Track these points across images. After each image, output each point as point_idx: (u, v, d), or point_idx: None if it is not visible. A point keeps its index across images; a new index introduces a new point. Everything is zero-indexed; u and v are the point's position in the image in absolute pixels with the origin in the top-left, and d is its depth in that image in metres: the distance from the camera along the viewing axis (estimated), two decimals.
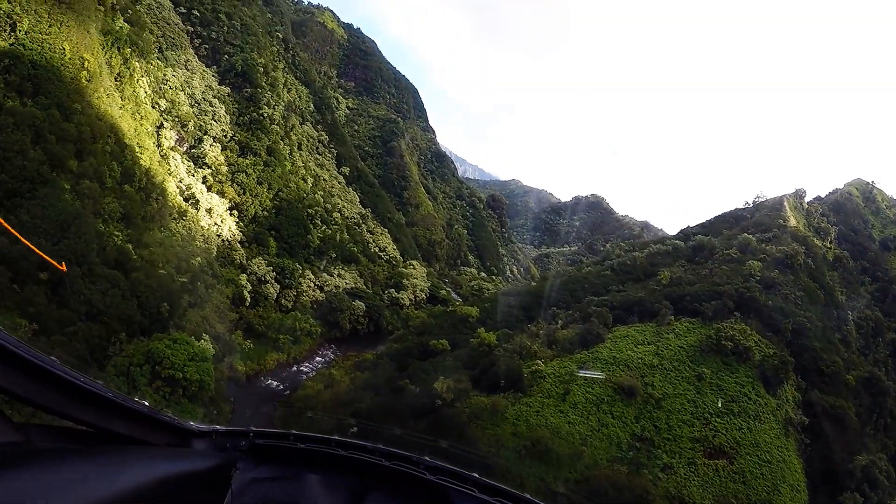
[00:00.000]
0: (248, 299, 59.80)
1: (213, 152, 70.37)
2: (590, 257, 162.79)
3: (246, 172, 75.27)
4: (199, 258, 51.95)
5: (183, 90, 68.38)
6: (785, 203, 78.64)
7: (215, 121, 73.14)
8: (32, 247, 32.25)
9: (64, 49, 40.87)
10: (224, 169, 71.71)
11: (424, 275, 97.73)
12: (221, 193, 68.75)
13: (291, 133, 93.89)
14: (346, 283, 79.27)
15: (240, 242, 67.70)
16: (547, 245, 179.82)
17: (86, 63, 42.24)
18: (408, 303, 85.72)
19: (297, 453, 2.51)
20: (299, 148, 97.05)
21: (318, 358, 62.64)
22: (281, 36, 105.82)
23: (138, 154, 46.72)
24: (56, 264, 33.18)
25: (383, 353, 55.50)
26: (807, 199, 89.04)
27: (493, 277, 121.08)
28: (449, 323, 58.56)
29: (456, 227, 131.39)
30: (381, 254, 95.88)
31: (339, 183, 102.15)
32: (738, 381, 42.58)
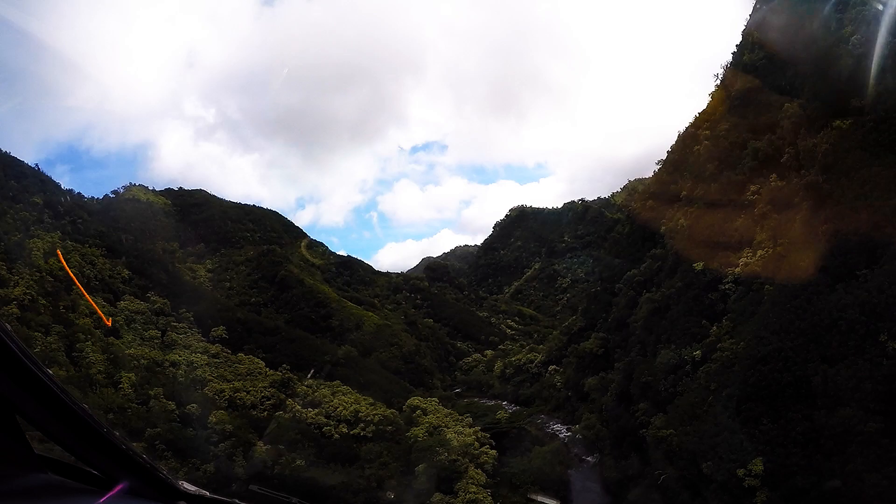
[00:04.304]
0: None
1: None
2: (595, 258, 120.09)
3: None
4: None
5: None
6: None
7: None
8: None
9: None
10: None
11: (442, 410, 57.05)
12: None
13: (81, 313, 52.54)
14: None
15: None
16: (508, 285, 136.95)
17: None
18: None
19: None
20: (119, 332, 55.12)
21: None
22: (40, 202, 66.98)
23: None
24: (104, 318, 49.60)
25: None
26: None
27: (504, 347, 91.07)
28: None
29: (418, 322, 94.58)
30: (360, 429, 52.81)
31: (212, 357, 60.05)
32: None
